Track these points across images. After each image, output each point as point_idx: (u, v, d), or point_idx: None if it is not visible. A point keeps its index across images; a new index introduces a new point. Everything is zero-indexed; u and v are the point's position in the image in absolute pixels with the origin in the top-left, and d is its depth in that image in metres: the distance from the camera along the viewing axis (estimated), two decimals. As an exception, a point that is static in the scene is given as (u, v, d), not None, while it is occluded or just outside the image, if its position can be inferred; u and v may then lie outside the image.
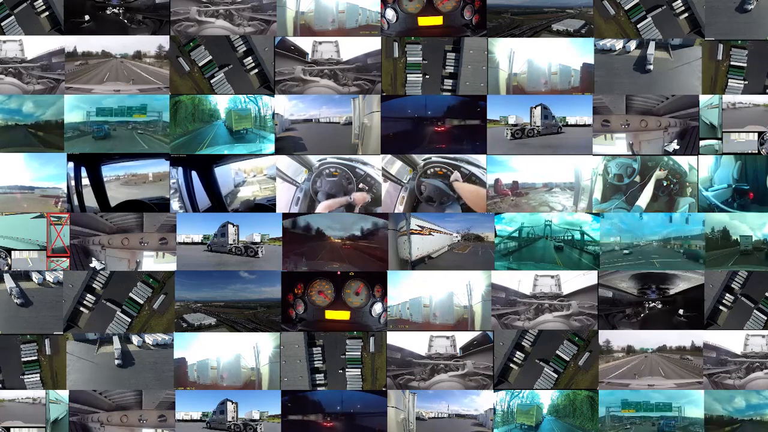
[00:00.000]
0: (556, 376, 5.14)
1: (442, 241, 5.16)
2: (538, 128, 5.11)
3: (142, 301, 5.10)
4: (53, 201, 5.08)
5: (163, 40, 5.10)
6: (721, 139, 5.13)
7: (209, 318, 5.10)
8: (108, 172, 5.17)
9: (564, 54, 5.13)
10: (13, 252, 5.09)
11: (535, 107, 5.10)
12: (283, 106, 5.12)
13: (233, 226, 5.12)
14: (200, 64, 5.12)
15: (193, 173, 5.17)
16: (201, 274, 5.10)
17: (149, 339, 5.10)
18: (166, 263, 5.08)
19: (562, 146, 5.12)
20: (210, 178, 5.20)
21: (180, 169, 5.13)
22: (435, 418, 5.15)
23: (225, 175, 5.24)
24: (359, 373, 5.13)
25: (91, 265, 5.08)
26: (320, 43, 5.13)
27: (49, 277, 5.07)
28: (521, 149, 5.12)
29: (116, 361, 5.07)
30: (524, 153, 5.12)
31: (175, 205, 5.13)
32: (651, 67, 5.11)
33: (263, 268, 5.10)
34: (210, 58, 5.12)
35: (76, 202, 5.11)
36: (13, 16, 5.08)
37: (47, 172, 5.09)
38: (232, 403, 5.11)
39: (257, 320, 5.11)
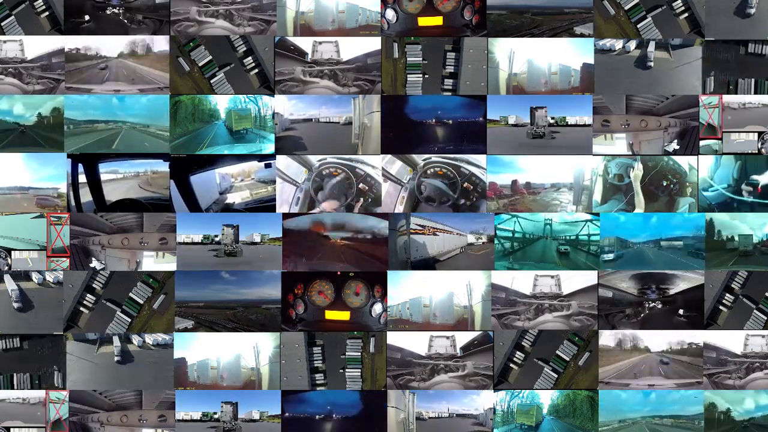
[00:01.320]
0: (556, 376, 5.14)
1: (453, 243, 5.15)
2: (544, 129, 5.12)
3: (142, 301, 5.10)
4: (35, 200, 5.08)
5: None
6: (721, 139, 5.13)
7: (185, 321, 5.10)
8: (119, 168, 5.17)
9: (564, 54, 5.13)
10: (13, 252, 5.09)
11: (537, 109, 5.10)
12: (283, 106, 5.12)
13: (227, 227, 5.11)
14: (200, 64, 5.12)
15: (171, 182, 5.14)
16: (194, 275, 5.10)
17: (149, 339, 5.10)
18: (166, 263, 5.09)
19: (562, 146, 5.12)
20: (187, 188, 5.17)
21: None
22: (435, 417, 5.15)
23: (208, 181, 5.22)
24: (359, 374, 5.13)
25: (91, 265, 5.08)
26: (320, 43, 5.13)
27: (49, 277, 5.07)
28: (521, 150, 5.12)
29: (116, 358, 5.07)
30: (523, 153, 5.12)
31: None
32: (651, 63, 5.11)
33: (263, 268, 5.10)
34: (210, 58, 5.12)
35: (72, 201, 5.11)
36: (13, 16, 5.08)
37: (46, 173, 5.08)
38: (229, 405, 5.12)
39: (237, 320, 5.10)
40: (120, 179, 5.17)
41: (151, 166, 5.14)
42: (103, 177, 5.17)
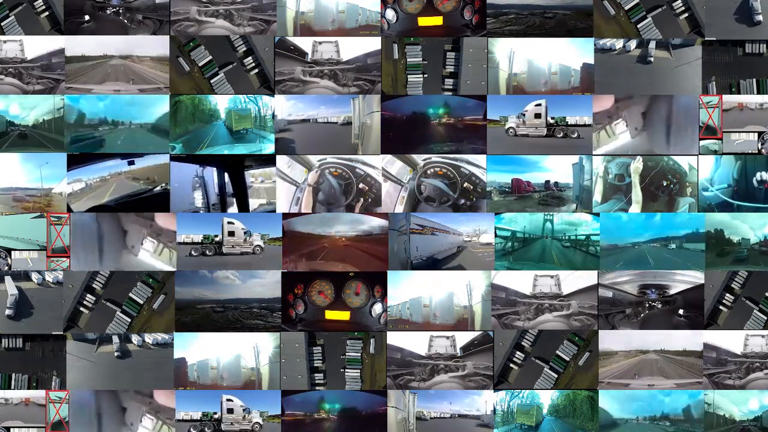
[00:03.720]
0: (556, 376, 5.14)
1: (449, 242, 5.16)
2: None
3: (142, 301, 5.10)
4: (10, 197, 5.10)
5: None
6: (721, 139, 5.13)
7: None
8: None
9: (564, 54, 5.13)
10: (13, 252, 5.09)
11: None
12: (282, 106, 5.12)
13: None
14: (200, 64, 5.12)
15: (226, 175, 5.17)
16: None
17: (149, 338, 5.10)
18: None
19: (563, 146, 5.12)
20: (241, 181, 5.18)
21: (214, 170, 5.14)
22: (437, 418, 5.14)
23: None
24: (358, 374, 5.12)
25: None
26: (320, 43, 5.13)
27: (49, 277, 5.07)
28: (523, 149, 5.12)
29: (115, 354, 5.07)
30: (524, 153, 5.12)
31: (198, 203, 5.15)
32: (651, 59, 5.11)
33: (263, 267, 5.11)
34: (210, 58, 5.12)
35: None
36: (13, 16, 5.08)
37: (39, 173, 5.09)
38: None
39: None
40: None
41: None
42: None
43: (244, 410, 5.10)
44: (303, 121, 5.12)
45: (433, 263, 5.14)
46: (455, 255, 5.14)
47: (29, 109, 5.08)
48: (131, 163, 5.10)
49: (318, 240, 5.13)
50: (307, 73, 5.13)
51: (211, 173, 5.19)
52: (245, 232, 5.12)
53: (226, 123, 5.15)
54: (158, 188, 5.11)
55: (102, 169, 5.13)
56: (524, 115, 5.12)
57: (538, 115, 5.13)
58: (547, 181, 5.15)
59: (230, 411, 5.12)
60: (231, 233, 5.13)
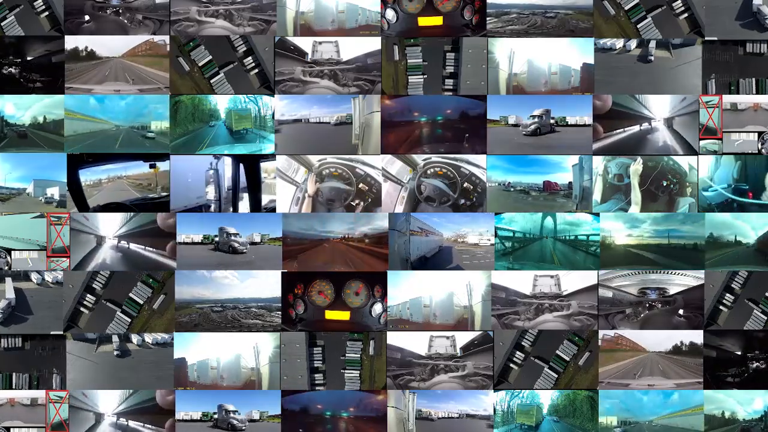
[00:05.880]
0: (556, 376, 5.14)
1: (432, 241, 5.17)
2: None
3: (142, 302, 5.10)
4: None
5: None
6: (721, 139, 5.13)
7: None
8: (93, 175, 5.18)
9: (564, 54, 5.13)
10: (13, 252, 5.09)
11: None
12: (276, 106, 5.11)
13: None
14: (200, 64, 5.12)
15: (241, 167, 5.16)
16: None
17: (149, 338, 5.10)
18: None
19: (563, 146, 5.12)
20: (256, 175, 5.18)
21: (229, 160, 5.14)
22: (445, 418, 5.14)
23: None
24: (358, 375, 5.12)
25: None
26: (320, 43, 5.13)
27: (49, 277, 5.07)
28: (523, 149, 5.12)
29: (115, 352, 5.08)
30: (524, 153, 5.12)
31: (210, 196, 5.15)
32: (652, 58, 5.11)
33: (262, 267, 5.11)
34: (210, 58, 5.13)
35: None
36: (13, 16, 5.08)
37: (17, 173, 5.10)
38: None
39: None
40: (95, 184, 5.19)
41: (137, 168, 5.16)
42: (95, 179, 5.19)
43: (228, 413, 5.12)
44: (295, 122, 5.12)
45: (423, 262, 5.14)
46: (438, 254, 5.14)
47: (25, 108, 5.08)
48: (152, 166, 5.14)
49: (317, 240, 5.13)
50: (307, 73, 5.14)
51: (224, 165, 5.17)
52: (228, 234, 5.12)
53: (226, 123, 5.16)
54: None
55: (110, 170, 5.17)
56: (542, 117, 5.11)
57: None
58: (570, 182, 5.15)
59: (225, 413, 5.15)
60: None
